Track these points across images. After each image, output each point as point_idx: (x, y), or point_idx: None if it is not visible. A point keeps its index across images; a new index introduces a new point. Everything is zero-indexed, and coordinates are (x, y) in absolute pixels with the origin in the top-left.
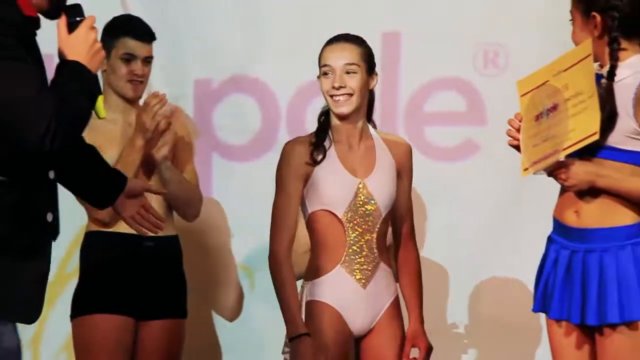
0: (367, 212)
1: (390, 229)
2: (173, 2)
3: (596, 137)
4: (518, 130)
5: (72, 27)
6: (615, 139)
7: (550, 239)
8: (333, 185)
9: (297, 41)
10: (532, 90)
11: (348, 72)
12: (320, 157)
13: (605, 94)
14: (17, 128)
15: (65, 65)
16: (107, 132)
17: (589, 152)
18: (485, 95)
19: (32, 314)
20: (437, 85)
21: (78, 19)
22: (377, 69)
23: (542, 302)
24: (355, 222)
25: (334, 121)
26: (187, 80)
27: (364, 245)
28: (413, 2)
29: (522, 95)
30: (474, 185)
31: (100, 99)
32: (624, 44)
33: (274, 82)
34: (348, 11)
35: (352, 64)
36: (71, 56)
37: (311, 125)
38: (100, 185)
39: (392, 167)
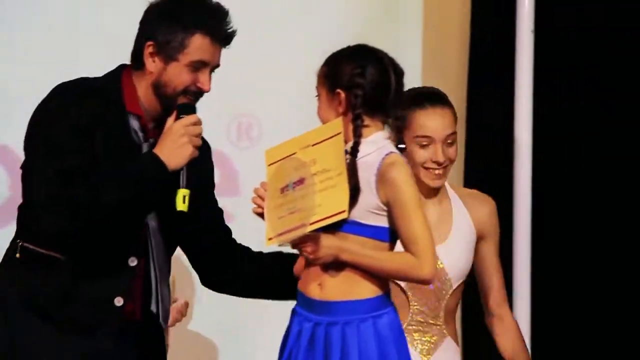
0: (435, 282)
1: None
2: None
3: (344, 215)
4: (264, 199)
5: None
6: (359, 214)
7: (294, 312)
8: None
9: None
10: (279, 160)
11: (448, 142)
12: None
13: (349, 169)
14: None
15: (143, 155)
16: None
17: (333, 226)
18: (239, 166)
19: None
20: None
21: (184, 116)
22: None
23: None
24: (420, 291)
25: None
26: None
27: (429, 316)
28: None
29: (269, 165)
30: None
31: (180, 192)
32: (367, 121)
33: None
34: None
35: (453, 133)
36: (158, 146)
37: None
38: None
39: (470, 233)
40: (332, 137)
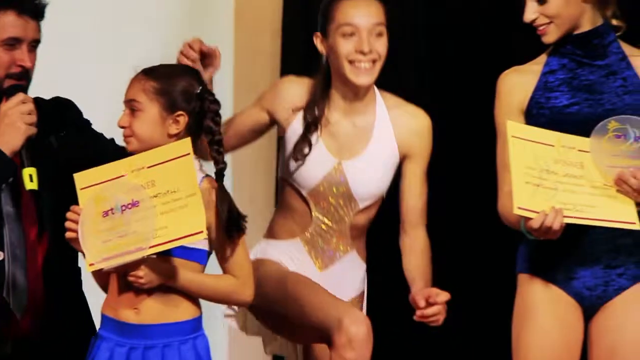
0: (338, 198)
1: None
2: None
3: (203, 235)
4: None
5: None
6: None
7: (99, 337)
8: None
9: None
10: (97, 183)
11: (375, 34)
12: (306, 150)
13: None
14: None
15: None
16: None
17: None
18: None
19: None
20: None
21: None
22: None
23: None
24: (322, 205)
25: (336, 90)
26: None
27: (332, 230)
28: None
29: (82, 189)
30: None
31: (25, 172)
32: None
33: None
34: None
35: (380, 23)
36: None
37: None
38: None
39: (391, 153)
40: (179, 157)
